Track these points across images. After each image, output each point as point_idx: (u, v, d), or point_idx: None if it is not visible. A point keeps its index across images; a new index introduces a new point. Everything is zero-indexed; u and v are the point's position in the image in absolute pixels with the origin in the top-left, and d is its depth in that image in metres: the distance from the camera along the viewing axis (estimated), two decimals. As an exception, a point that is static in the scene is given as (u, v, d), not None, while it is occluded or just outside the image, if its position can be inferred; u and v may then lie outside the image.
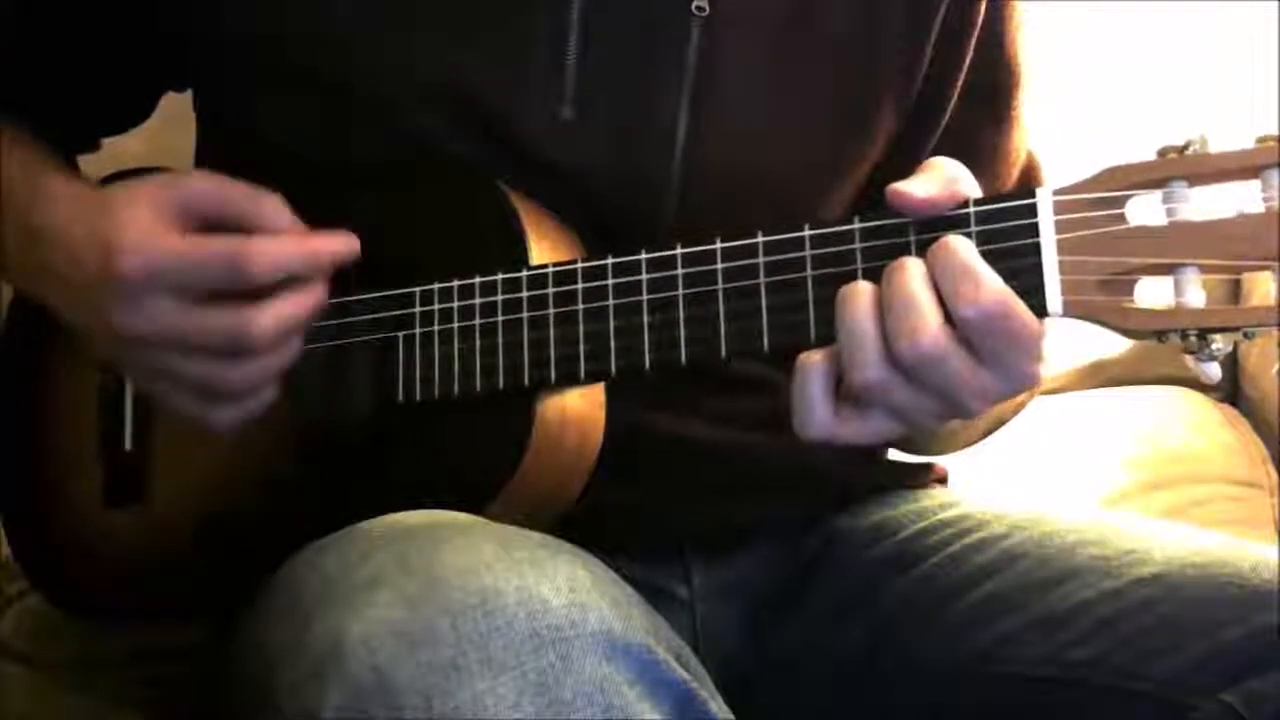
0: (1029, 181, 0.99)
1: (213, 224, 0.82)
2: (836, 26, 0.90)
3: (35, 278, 0.89)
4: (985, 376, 0.70)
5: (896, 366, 0.70)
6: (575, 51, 0.86)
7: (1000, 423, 1.03)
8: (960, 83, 0.94)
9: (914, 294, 0.70)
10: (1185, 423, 1.58)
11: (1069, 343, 1.60)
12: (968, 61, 0.93)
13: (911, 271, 0.70)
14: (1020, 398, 0.98)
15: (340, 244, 0.83)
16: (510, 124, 0.86)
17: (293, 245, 0.82)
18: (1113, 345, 1.63)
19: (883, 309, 0.70)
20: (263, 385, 0.83)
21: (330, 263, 0.83)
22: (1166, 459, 1.52)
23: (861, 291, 0.71)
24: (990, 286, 0.69)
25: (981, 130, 0.96)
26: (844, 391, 0.73)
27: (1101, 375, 1.65)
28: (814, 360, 0.73)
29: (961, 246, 0.70)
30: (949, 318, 0.70)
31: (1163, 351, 1.36)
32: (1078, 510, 0.96)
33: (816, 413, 0.73)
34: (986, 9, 0.93)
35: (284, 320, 0.81)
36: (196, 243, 0.81)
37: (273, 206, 0.83)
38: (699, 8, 0.86)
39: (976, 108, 0.95)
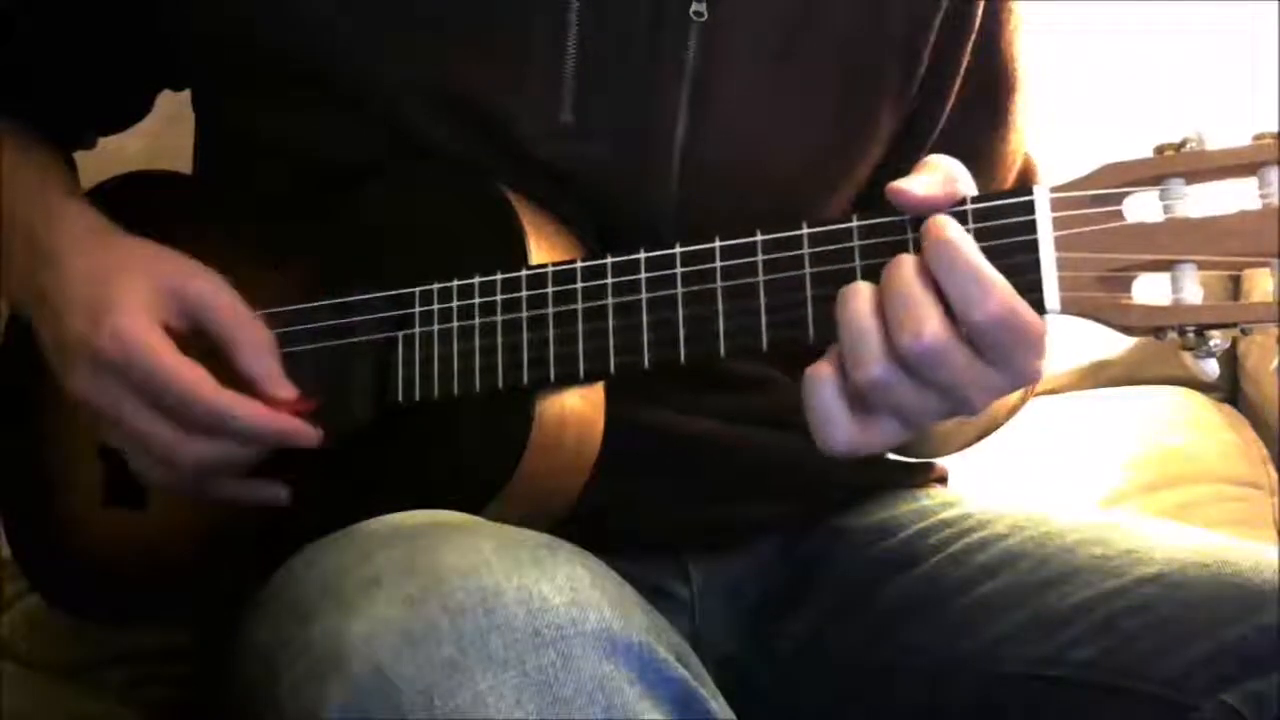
0: (1026, 183, 0.99)
1: (199, 331, 0.85)
2: (835, 30, 0.90)
3: (30, 298, 0.90)
4: (989, 373, 0.70)
5: (900, 363, 0.70)
6: (574, 54, 0.86)
7: (995, 425, 1.03)
8: (958, 85, 0.94)
9: (914, 290, 0.70)
10: (1185, 423, 1.58)
11: (1069, 343, 1.61)
12: (965, 64, 0.93)
13: (911, 268, 0.70)
14: (1014, 399, 0.98)
15: (300, 433, 0.84)
16: (509, 126, 0.86)
17: (250, 410, 0.83)
18: (1112, 345, 1.63)
19: (883, 305, 0.70)
20: (184, 489, 0.86)
21: (277, 443, 0.84)
22: (1166, 459, 1.52)
23: (862, 289, 0.71)
24: (999, 293, 0.69)
25: (979, 132, 0.96)
26: (852, 397, 0.72)
27: (1101, 375, 1.65)
28: (823, 372, 0.72)
29: (965, 246, 0.70)
30: (949, 311, 0.70)
31: (1162, 351, 1.36)
32: (1078, 510, 0.96)
33: (838, 423, 0.72)
34: (984, 11, 0.93)
35: (208, 462, 0.84)
36: (170, 361, 0.83)
37: (253, 351, 0.85)
38: (697, 12, 0.86)
39: (974, 110, 0.95)
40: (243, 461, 0.85)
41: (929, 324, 0.69)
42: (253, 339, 0.85)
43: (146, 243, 0.89)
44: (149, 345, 0.83)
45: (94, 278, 0.86)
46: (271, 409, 0.84)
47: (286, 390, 0.85)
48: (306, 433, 0.84)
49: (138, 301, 0.84)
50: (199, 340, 0.85)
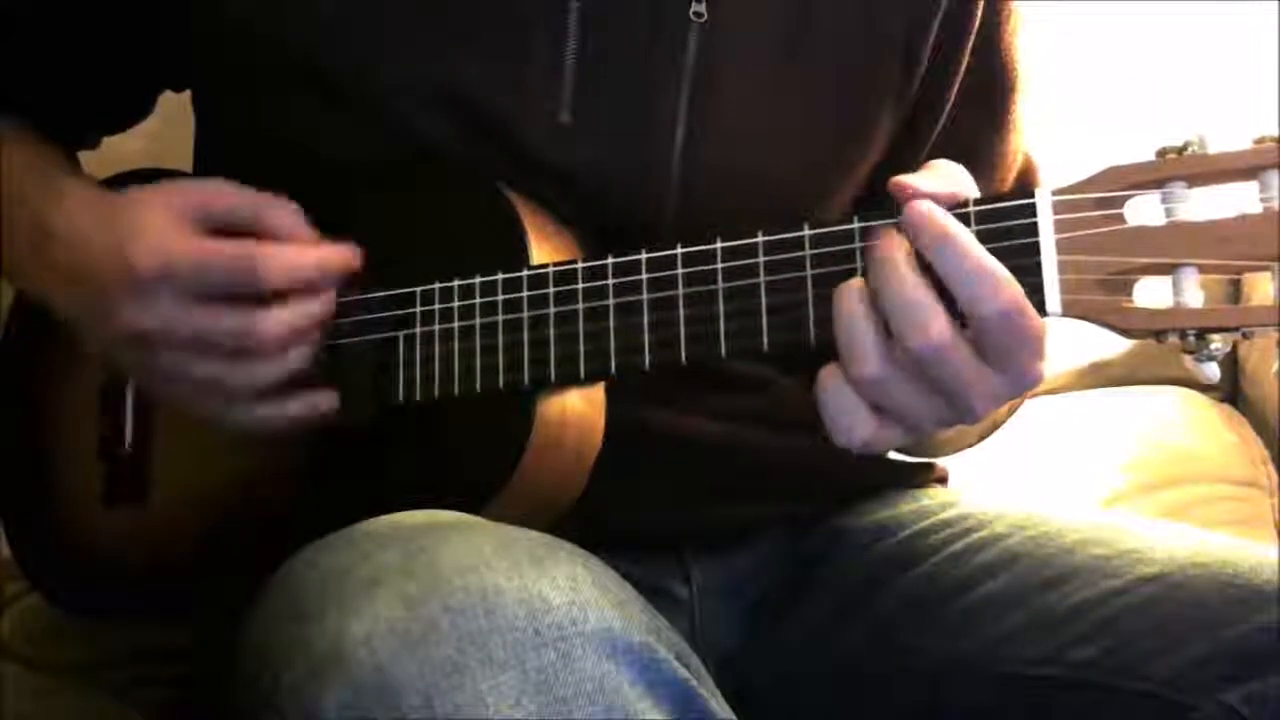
0: (1026, 183, 1.00)
1: (226, 228, 0.83)
2: (835, 30, 0.90)
3: (41, 276, 0.89)
4: (990, 376, 0.70)
5: (901, 362, 0.70)
6: (574, 55, 0.86)
7: (995, 426, 1.03)
8: (958, 86, 0.94)
9: (918, 290, 0.69)
10: (1185, 423, 1.58)
11: (1069, 343, 1.61)
12: (965, 64, 0.93)
13: (906, 266, 0.70)
14: (1014, 400, 0.98)
15: (348, 255, 0.84)
16: (509, 126, 0.86)
17: (304, 253, 0.83)
18: (1112, 345, 1.63)
19: (881, 306, 0.70)
20: (267, 388, 0.84)
21: (339, 272, 0.84)
22: (1166, 459, 1.52)
23: (854, 287, 0.71)
24: (1010, 287, 0.69)
25: (979, 133, 0.96)
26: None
27: (1101, 375, 1.65)
28: (836, 372, 0.72)
29: (972, 245, 0.69)
30: (950, 309, 0.69)
31: (1162, 352, 1.36)
32: (1078, 510, 0.96)
33: (857, 417, 0.72)
34: (984, 12, 0.93)
35: (291, 325, 0.82)
36: (210, 245, 0.82)
37: (286, 213, 0.84)
38: (697, 13, 0.86)
39: (974, 110, 0.95)
40: (313, 327, 0.83)
41: (936, 323, 0.69)
42: (283, 209, 0.84)
43: (146, 186, 0.88)
44: (187, 243, 0.82)
45: (108, 223, 0.85)
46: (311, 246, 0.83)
47: (329, 248, 0.84)
48: (353, 252, 0.84)
49: (158, 218, 0.83)
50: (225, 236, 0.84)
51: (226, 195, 0.85)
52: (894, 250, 0.70)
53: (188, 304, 0.81)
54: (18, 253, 0.90)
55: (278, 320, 0.82)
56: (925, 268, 0.70)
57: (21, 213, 0.90)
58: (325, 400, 0.85)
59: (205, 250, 0.82)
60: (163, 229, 0.82)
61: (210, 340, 0.82)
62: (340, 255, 0.84)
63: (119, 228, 0.83)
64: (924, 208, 0.71)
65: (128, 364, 0.87)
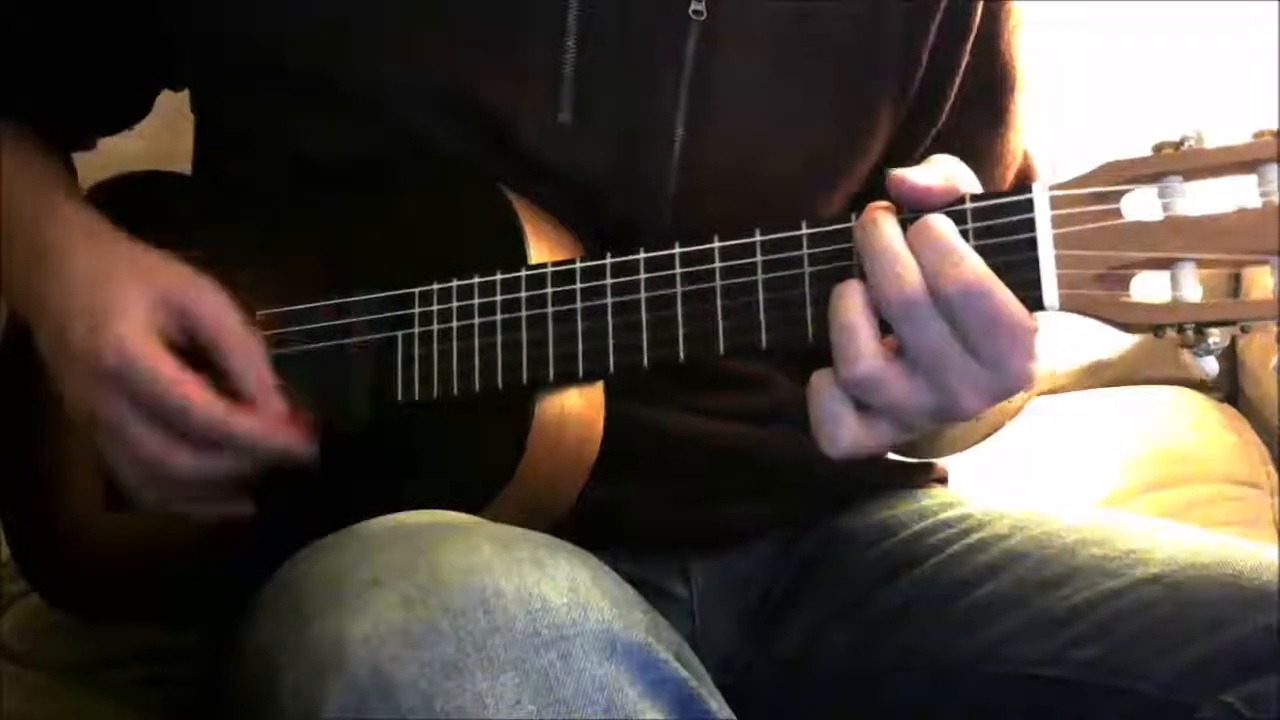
0: (1025, 181, 0.99)
1: (195, 342, 0.85)
2: (834, 29, 0.90)
3: (30, 301, 0.91)
4: (973, 364, 0.70)
5: (891, 360, 0.70)
6: (573, 54, 0.86)
7: (996, 426, 1.03)
8: (957, 85, 0.94)
9: (891, 247, 0.70)
10: (1185, 423, 1.58)
11: (1069, 343, 1.61)
12: (964, 63, 0.93)
13: (889, 233, 0.70)
14: (1017, 401, 0.98)
15: (293, 447, 0.84)
16: (508, 126, 0.86)
17: (245, 422, 0.83)
18: (1112, 345, 1.63)
19: (875, 298, 0.70)
20: (180, 495, 0.86)
21: (271, 457, 0.84)
22: (1166, 459, 1.52)
23: (852, 287, 0.71)
24: (971, 264, 0.69)
25: (978, 132, 0.96)
26: (855, 397, 0.72)
27: (1101, 375, 1.65)
28: (828, 377, 0.72)
29: (942, 225, 0.70)
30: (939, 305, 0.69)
31: (1162, 351, 1.36)
32: (1078, 510, 0.96)
33: (844, 424, 0.72)
34: (983, 11, 0.93)
35: (202, 472, 0.84)
36: (167, 372, 0.83)
37: (255, 370, 0.85)
38: (696, 11, 0.87)
39: (973, 109, 0.95)
40: (230, 478, 0.85)
41: (911, 279, 0.69)
42: (244, 351, 0.85)
43: (145, 250, 0.89)
44: (148, 355, 0.83)
45: (94, 283, 0.86)
46: (267, 422, 0.84)
47: (276, 405, 0.85)
48: (300, 447, 0.84)
49: (137, 311, 0.84)
50: (196, 352, 0.85)
51: (205, 311, 0.86)
52: (887, 237, 0.71)
53: (126, 408, 0.84)
54: (12, 263, 0.91)
55: (192, 464, 0.84)
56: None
57: (17, 227, 0.91)
58: (240, 508, 0.87)
59: (157, 372, 0.83)
60: (135, 323, 0.84)
61: (129, 448, 0.85)
62: (284, 436, 0.84)
63: (100, 302, 0.85)
64: (926, 220, 0.71)
65: (77, 417, 0.89)
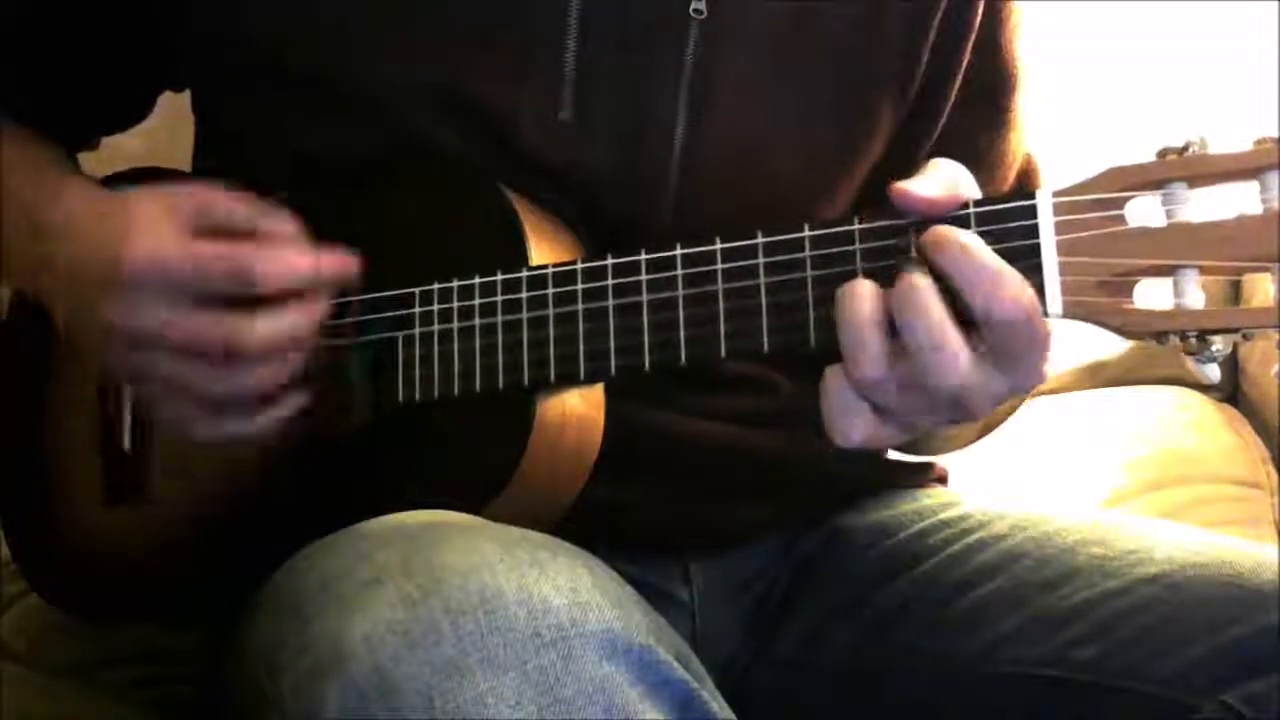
0: (1027, 182, 0.99)
1: (222, 233, 0.83)
2: (835, 28, 0.90)
3: (35, 273, 0.89)
4: (995, 377, 0.70)
5: (902, 367, 0.70)
6: (574, 53, 0.86)
7: (995, 424, 1.03)
8: (958, 85, 0.94)
9: (935, 315, 0.69)
10: (1185, 423, 1.58)
11: (1069, 343, 1.61)
12: (965, 63, 0.93)
13: (925, 289, 0.69)
14: (1015, 399, 0.98)
15: (344, 262, 0.84)
16: (509, 125, 0.86)
17: (299, 259, 0.82)
18: (1113, 346, 1.63)
19: (891, 313, 0.70)
20: (250, 397, 0.83)
21: (332, 280, 0.83)
22: (1166, 459, 1.52)
23: (860, 290, 0.71)
24: (1025, 289, 0.68)
25: (979, 132, 0.96)
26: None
27: (1101, 375, 1.65)
28: (840, 372, 0.72)
29: (984, 250, 0.69)
30: (957, 317, 0.69)
31: (1163, 352, 1.36)
32: (1078, 510, 0.96)
33: (857, 417, 0.72)
34: (984, 11, 0.93)
35: (280, 331, 0.81)
36: (206, 248, 0.81)
37: (280, 219, 0.83)
38: (697, 10, 0.86)
39: (974, 110, 0.95)
40: (301, 337, 0.82)
41: (952, 348, 0.68)
42: (277, 215, 0.84)
43: (143, 187, 0.87)
44: (183, 246, 0.81)
45: (103, 224, 0.84)
46: (318, 259, 0.82)
47: (324, 255, 0.83)
48: (348, 260, 0.83)
49: (155, 224, 0.82)
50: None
51: (225, 200, 0.84)
52: (919, 281, 0.70)
53: (176, 307, 0.81)
54: (12, 250, 0.90)
55: (271, 327, 0.81)
56: (937, 278, 0.70)
57: (17, 210, 0.90)
58: (289, 407, 0.84)
59: (200, 253, 0.81)
60: (158, 230, 0.82)
61: (200, 345, 0.81)
62: (335, 262, 0.83)
63: (114, 225, 0.83)
64: (943, 232, 0.70)
65: (115, 364, 0.86)
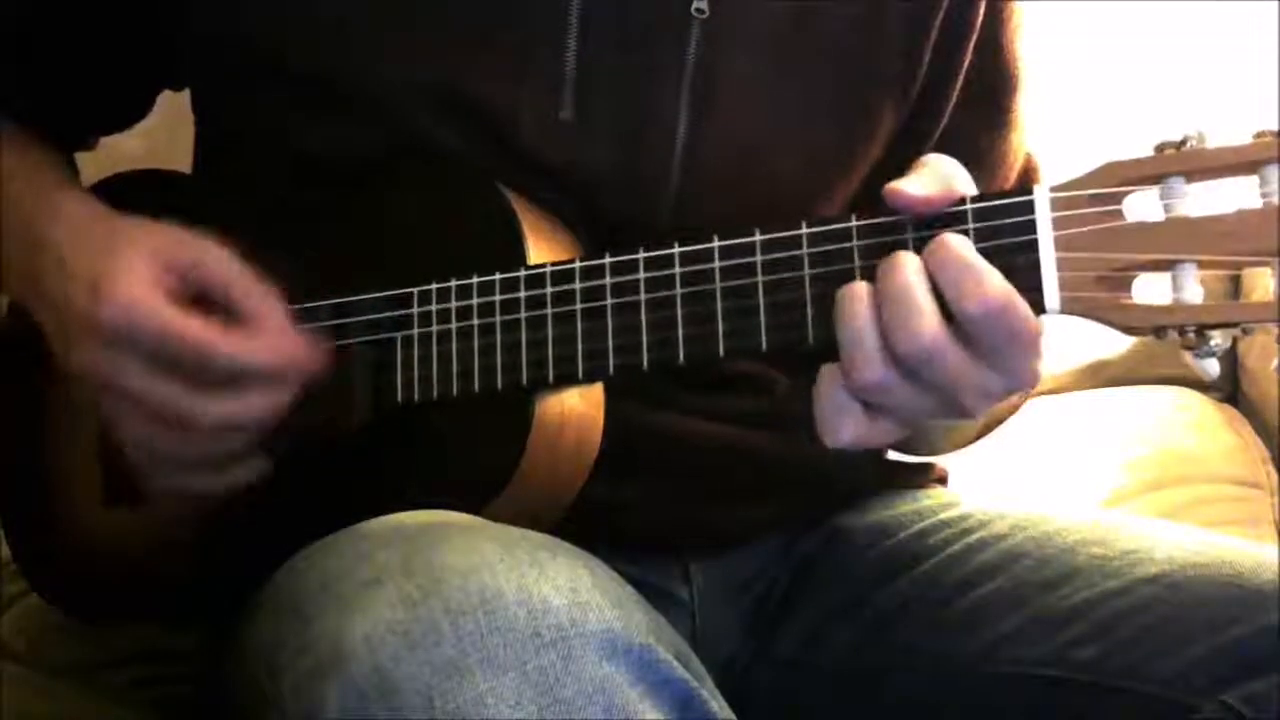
0: (1028, 182, 0.99)
1: (205, 298, 0.83)
2: (836, 28, 0.90)
3: (29, 286, 0.89)
4: (985, 374, 0.70)
5: (896, 365, 0.70)
6: (575, 52, 0.86)
7: (995, 423, 1.03)
8: (959, 85, 0.94)
9: (911, 289, 0.69)
10: (1185, 423, 1.58)
11: (1069, 343, 1.61)
12: (966, 63, 0.93)
13: (908, 266, 0.70)
14: (1015, 399, 0.98)
15: (311, 356, 0.83)
16: (510, 124, 0.86)
17: (264, 353, 0.82)
18: (1113, 345, 1.63)
19: (880, 306, 0.70)
20: (197, 463, 0.84)
21: (299, 377, 0.83)
22: (1166, 459, 1.52)
23: (859, 292, 0.71)
24: (993, 282, 0.69)
25: (980, 132, 0.96)
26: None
27: (1101, 375, 1.65)
28: (835, 372, 0.72)
29: (960, 243, 0.70)
30: (947, 315, 0.69)
31: (1162, 351, 1.36)
32: (1078, 510, 0.96)
33: (847, 416, 0.72)
34: (985, 11, 0.93)
35: (233, 415, 0.82)
36: (175, 319, 0.81)
37: (266, 300, 0.83)
38: (699, 9, 0.86)
39: (975, 109, 0.95)
40: (254, 422, 0.83)
41: (926, 324, 0.69)
42: (254, 289, 0.84)
43: (142, 220, 0.87)
44: (155, 309, 0.81)
45: (94, 254, 0.84)
46: (286, 349, 0.82)
47: (293, 335, 0.83)
48: (319, 369, 0.83)
49: (137, 270, 0.82)
50: (202, 305, 0.83)
51: (220, 267, 0.84)
52: (906, 268, 0.70)
53: (139, 368, 0.81)
54: (11, 259, 0.90)
55: (225, 410, 0.82)
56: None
57: (18, 221, 0.90)
58: (251, 471, 0.85)
59: (168, 322, 0.81)
60: (138, 282, 0.82)
61: (157, 411, 0.82)
62: (306, 358, 0.83)
63: (100, 266, 0.83)
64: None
65: (90, 396, 0.87)
